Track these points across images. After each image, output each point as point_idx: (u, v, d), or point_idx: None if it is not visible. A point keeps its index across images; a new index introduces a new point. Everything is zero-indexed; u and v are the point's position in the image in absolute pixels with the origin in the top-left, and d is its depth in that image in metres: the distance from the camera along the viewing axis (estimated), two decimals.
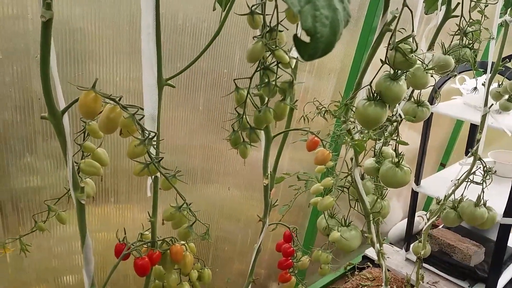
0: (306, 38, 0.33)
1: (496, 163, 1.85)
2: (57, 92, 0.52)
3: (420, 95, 1.11)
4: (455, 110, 1.58)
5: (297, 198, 0.97)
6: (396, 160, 1.00)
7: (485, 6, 1.21)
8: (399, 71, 0.76)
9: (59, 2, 0.91)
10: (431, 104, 1.67)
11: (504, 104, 1.29)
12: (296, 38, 0.32)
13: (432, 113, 1.66)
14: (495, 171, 1.32)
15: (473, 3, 1.03)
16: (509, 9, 1.20)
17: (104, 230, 1.23)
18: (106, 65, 1.04)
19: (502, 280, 1.69)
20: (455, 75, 1.58)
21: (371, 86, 0.77)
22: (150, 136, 0.51)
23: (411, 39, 0.74)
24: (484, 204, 1.32)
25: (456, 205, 1.37)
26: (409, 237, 1.86)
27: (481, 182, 1.31)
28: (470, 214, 1.31)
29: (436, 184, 1.74)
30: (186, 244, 0.69)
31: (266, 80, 0.53)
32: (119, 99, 0.48)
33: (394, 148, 1.16)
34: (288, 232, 0.86)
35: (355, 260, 2.00)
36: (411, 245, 1.53)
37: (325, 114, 0.87)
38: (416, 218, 1.89)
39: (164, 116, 1.13)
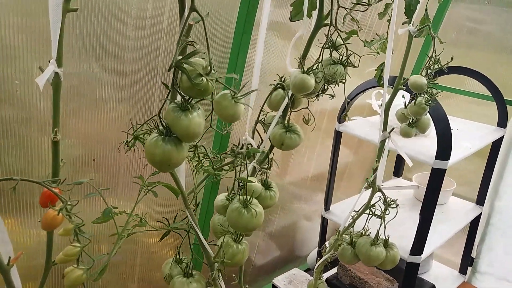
0: None
1: (420, 187, 1.71)
2: None
3: (289, 118, 0.94)
4: (364, 130, 1.43)
5: None
6: (244, 198, 0.83)
7: (384, 14, 1.05)
8: (191, 99, 0.58)
9: None
10: (339, 122, 1.52)
11: (404, 130, 1.14)
12: None
13: (341, 133, 1.51)
14: (398, 204, 1.16)
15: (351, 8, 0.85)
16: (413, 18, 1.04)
17: None
18: None
19: None
20: (361, 92, 1.43)
21: (160, 117, 0.59)
22: None
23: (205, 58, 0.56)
24: (386, 242, 1.17)
25: (353, 241, 1.22)
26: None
27: (381, 216, 1.16)
28: (365, 254, 1.16)
29: (348, 209, 1.59)
30: None
31: None
32: None
33: (262, 180, 1.00)
34: None
35: None
36: (307, 284, 1.37)
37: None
38: None
39: None
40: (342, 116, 0.89)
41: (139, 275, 1.35)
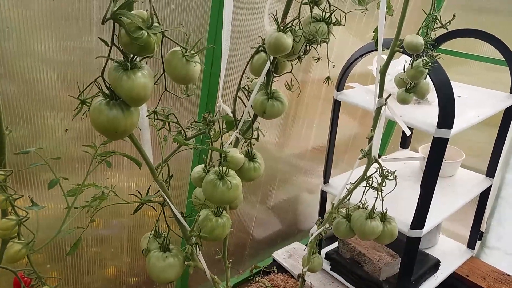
0: None
1: (426, 159, 1.63)
2: None
3: (271, 85, 0.87)
4: (363, 98, 1.35)
5: None
6: (220, 170, 0.78)
7: None
8: (136, 57, 0.52)
9: None
10: (338, 90, 1.44)
11: (401, 95, 1.06)
12: None
13: (339, 102, 1.43)
14: (395, 176, 1.09)
15: None
16: None
17: None
18: None
19: None
20: (360, 57, 1.35)
21: (103, 78, 0.54)
22: None
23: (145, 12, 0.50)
24: (384, 215, 1.11)
25: (349, 214, 1.16)
26: (321, 241, 1.66)
27: (378, 189, 1.09)
28: (360, 228, 1.11)
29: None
30: None
31: None
32: None
33: (246, 151, 0.94)
34: (16, 280, 0.64)
35: (265, 262, 1.80)
36: (302, 258, 1.33)
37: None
38: None
39: None
40: (325, 81, 0.81)
41: (129, 248, 1.33)
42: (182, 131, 0.79)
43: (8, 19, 0.92)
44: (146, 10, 0.50)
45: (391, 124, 2.02)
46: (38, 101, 1.04)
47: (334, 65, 0.82)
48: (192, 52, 0.54)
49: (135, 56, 0.51)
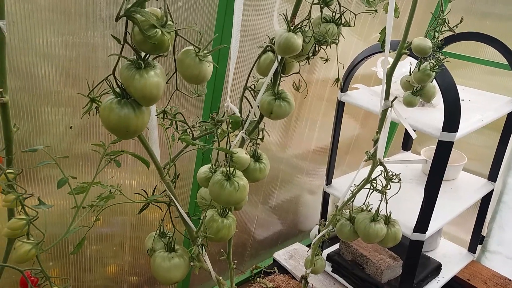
0: None
1: (428, 161, 1.62)
2: None
3: (278, 85, 0.86)
4: (367, 100, 1.34)
5: None
6: (227, 170, 0.77)
7: None
8: (148, 56, 0.51)
9: None
10: (342, 91, 1.43)
11: (407, 98, 1.06)
12: None
13: (343, 103, 1.42)
14: (400, 179, 1.08)
15: None
16: None
17: None
18: None
19: None
20: (365, 58, 1.34)
21: (115, 76, 0.53)
22: None
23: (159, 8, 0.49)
24: (388, 218, 1.10)
25: (353, 217, 1.15)
26: (323, 243, 1.66)
27: (382, 192, 1.09)
28: (364, 231, 1.10)
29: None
30: None
31: None
32: None
33: (252, 151, 0.93)
34: (23, 279, 0.63)
35: (266, 262, 1.80)
36: (304, 259, 1.32)
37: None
38: None
39: None
40: (334, 82, 0.81)
41: (131, 246, 1.33)
42: (189, 131, 0.78)
43: (14, 13, 0.91)
44: (160, 8, 0.50)
45: (392, 126, 2.01)
46: (41, 97, 1.02)
47: (343, 67, 0.82)
48: (205, 51, 0.53)
49: (148, 55, 0.51)
